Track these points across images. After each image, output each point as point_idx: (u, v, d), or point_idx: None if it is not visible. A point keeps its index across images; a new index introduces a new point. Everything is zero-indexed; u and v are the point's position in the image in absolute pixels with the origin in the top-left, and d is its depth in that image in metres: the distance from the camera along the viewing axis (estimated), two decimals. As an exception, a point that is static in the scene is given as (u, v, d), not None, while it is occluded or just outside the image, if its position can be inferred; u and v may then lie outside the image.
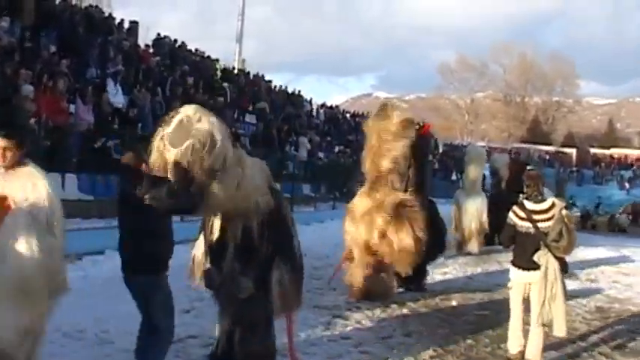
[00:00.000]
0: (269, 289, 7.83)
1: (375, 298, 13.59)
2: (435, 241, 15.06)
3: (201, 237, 8.19)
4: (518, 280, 9.92)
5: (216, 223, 7.85)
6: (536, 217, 9.64)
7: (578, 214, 42.74)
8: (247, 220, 7.63)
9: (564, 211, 9.71)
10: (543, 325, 9.69)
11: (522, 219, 9.76)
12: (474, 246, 22.82)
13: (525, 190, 10.02)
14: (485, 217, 23.09)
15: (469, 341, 11.26)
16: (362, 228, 13.67)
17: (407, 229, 13.45)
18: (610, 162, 76.45)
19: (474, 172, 23.81)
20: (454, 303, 14.36)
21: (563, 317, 9.67)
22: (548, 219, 9.57)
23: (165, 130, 6.95)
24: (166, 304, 8.10)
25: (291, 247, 8.11)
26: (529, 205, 9.78)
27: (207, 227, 8.03)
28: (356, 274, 13.80)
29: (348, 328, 11.52)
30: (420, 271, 15.09)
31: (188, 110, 7.06)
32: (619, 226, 43.72)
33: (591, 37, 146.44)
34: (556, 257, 9.58)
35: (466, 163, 24.50)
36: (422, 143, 15.47)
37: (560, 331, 9.71)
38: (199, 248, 8.22)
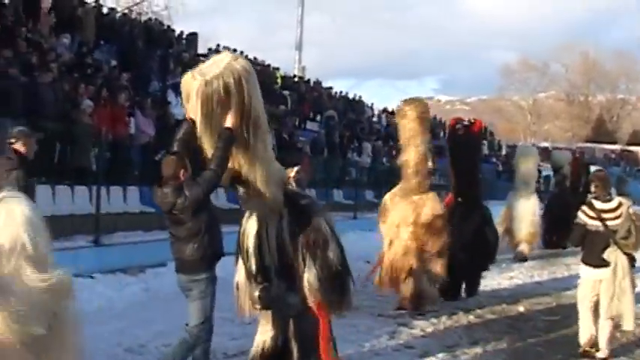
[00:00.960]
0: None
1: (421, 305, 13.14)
2: (484, 250, 15.03)
3: (240, 262, 8.01)
4: (589, 278, 10.27)
5: (251, 239, 7.74)
6: (605, 215, 9.94)
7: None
8: (278, 220, 7.54)
9: (631, 209, 10.08)
10: (612, 318, 10.05)
11: (592, 218, 10.06)
12: (524, 247, 22.11)
13: (593, 190, 10.45)
14: (537, 219, 22.80)
15: (539, 349, 11.01)
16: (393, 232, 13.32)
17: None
18: (677, 159, 75.09)
19: (525, 171, 23.15)
20: (521, 309, 14.08)
21: (631, 311, 10.05)
22: (617, 217, 9.90)
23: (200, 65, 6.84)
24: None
25: (325, 248, 7.74)
26: (598, 204, 10.07)
27: (243, 250, 7.90)
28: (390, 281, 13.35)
29: (413, 337, 11.32)
30: (471, 283, 15.05)
31: (229, 54, 6.99)
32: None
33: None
34: (625, 254, 9.99)
35: (515, 163, 24.08)
36: (471, 142, 15.39)
37: (628, 324, 10.18)
38: (240, 274, 8.03)
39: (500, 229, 20.40)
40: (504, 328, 12.35)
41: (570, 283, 16.84)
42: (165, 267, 15.26)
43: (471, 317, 13.07)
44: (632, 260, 10.13)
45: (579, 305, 10.45)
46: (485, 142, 63.44)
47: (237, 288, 8.05)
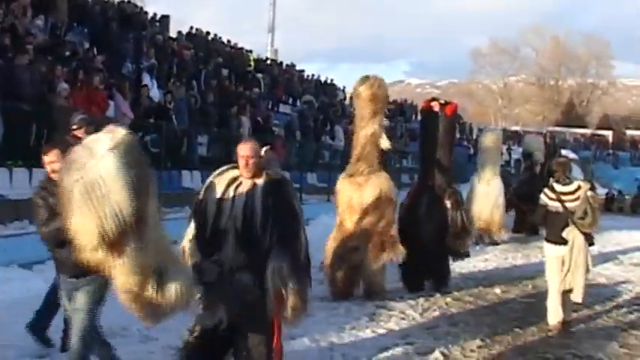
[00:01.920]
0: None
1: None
2: (459, 234, 14.32)
3: (192, 223, 7.30)
4: (552, 254, 11.16)
5: (211, 204, 7.12)
6: (564, 197, 10.94)
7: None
8: (250, 187, 7.03)
9: (589, 192, 11.04)
10: (565, 291, 11.01)
11: (552, 199, 11.06)
12: (495, 235, 21.82)
13: (554, 174, 11.54)
14: (499, 203, 22.08)
15: (516, 330, 11.11)
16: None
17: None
18: (647, 143, 75.66)
19: (486, 154, 22.93)
20: (498, 291, 14.22)
21: (581, 286, 10.98)
22: (575, 199, 10.87)
23: None
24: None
25: (296, 241, 7.09)
26: (558, 187, 11.09)
27: (199, 210, 7.25)
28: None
29: (393, 319, 11.40)
30: (438, 274, 14.23)
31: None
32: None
33: (626, 17, 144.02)
34: (582, 233, 10.88)
35: (479, 146, 24.27)
36: (445, 123, 14.68)
37: (577, 297, 11.06)
38: (188, 237, 7.30)
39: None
40: (482, 309, 12.51)
41: (543, 266, 17.09)
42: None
43: (449, 299, 13.18)
44: (589, 238, 11.04)
45: (549, 283, 11.28)
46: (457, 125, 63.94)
47: (183, 255, 7.20)
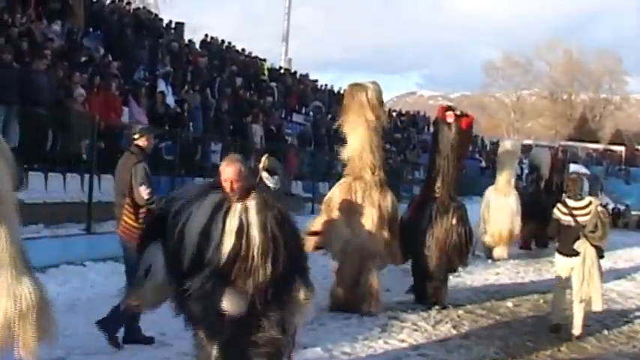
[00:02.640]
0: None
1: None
2: (453, 252, 13.80)
3: (157, 251, 6.58)
4: (562, 265, 11.95)
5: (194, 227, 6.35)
6: (576, 212, 11.65)
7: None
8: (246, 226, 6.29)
9: (600, 208, 11.94)
10: (582, 301, 11.59)
11: (565, 214, 11.78)
12: (501, 252, 21.11)
13: (567, 190, 12.67)
14: (518, 220, 21.45)
15: (529, 344, 11.15)
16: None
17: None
18: (659, 159, 75.35)
19: (507, 168, 22.16)
20: (509, 304, 14.27)
21: (599, 294, 11.74)
22: (586, 214, 11.59)
23: None
24: None
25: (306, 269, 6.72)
26: (570, 202, 11.83)
27: (170, 236, 6.43)
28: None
29: (405, 331, 11.40)
30: (437, 287, 13.79)
31: None
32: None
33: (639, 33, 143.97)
34: (593, 245, 11.60)
35: (498, 160, 23.27)
36: (460, 138, 14.14)
37: (597, 306, 11.78)
38: (157, 267, 6.59)
39: (479, 227, 20.54)
40: (493, 323, 12.54)
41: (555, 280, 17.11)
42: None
43: (461, 312, 13.21)
44: (599, 251, 11.75)
45: (557, 288, 12.27)
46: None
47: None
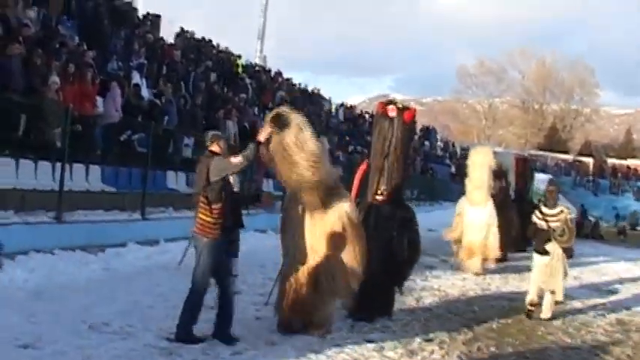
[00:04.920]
0: None
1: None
2: (399, 261, 12.52)
3: None
4: (537, 261, 14.13)
5: None
6: (548, 218, 13.97)
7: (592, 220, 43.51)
8: None
9: (569, 216, 14.41)
10: (550, 292, 14.10)
11: (539, 219, 14.10)
12: (475, 266, 19.86)
13: (545, 199, 14.76)
14: (495, 229, 20.45)
15: (492, 349, 11.23)
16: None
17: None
18: (627, 172, 75.88)
19: (479, 175, 20.60)
20: (475, 308, 14.38)
21: (561, 287, 14.23)
22: (557, 220, 13.92)
23: None
24: None
25: None
26: (544, 209, 14.21)
27: None
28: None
29: (373, 332, 11.43)
30: (384, 300, 12.56)
31: None
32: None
33: (612, 46, 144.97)
34: (561, 247, 13.92)
35: (469, 166, 21.34)
36: (403, 133, 12.91)
37: (559, 296, 14.30)
38: None
39: (450, 236, 20.65)
40: (458, 327, 12.52)
41: (522, 287, 17.27)
42: (125, 247, 15.35)
43: (427, 315, 13.29)
44: (568, 252, 14.13)
45: (532, 278, 14.32)
46: (441, 143, 64.15)
47: None
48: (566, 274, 14.27)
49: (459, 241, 20.50)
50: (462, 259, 20.20)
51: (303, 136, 10.17)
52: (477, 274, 19.35)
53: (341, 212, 10.64)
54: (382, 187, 12.75)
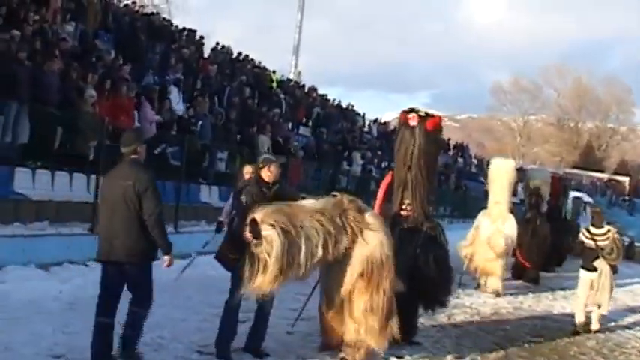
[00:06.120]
0: None
1: None
2: (425, 281, 11.57)
3: None
4: (584, 277, 14.72)
5: None
6: (597, 237, 14.66)
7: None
8: None
9: (616, 235, 14.89)
10: (597, 305, 14.82)
11: (588, 238, 14.74)
12: (495, 285, 18.66)
13: (592, 220, 15.33)
14: (511, 245, 18.96)
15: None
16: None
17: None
18: (663, 192, 75.23)
19: (499, 187, 19.50)
20: (507, 327, 14.30)
21: (607, 302, 14.85)
22: (605, 239, 14.61)
23: None
24: None
25: None
26: (592, 229, 14.85)
27: None
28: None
29: (402, 347, 11.26)
30: (406, 322, 10.96)
31: None
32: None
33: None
34: (608, 264, 14.60)
35: (488, 178, 20.57)
36: (426, 142, 12.16)
37: (603, 310, 14.91)
38: None
39: (464, 252, 18.90)
40: (491, 345, 12.51)
41: (553, 306, 17.18)
42: (158, 259, 15.39)
43: (458, 332, 13.26)
44: (614, 268, 14.84)
45: (579, 295, 14.89)
46: (475, 160, 63.86)
47: None
48: (612, 289, 14.98)
49: (471, 258, 18.86)
50: (476, 275, 19.19)
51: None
52: (497, 295, 18.29)
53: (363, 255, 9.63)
54: (406, 202, 12.05)
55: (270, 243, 8.60)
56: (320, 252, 9.10)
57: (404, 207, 12.06)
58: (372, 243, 9.64)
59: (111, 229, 8.63)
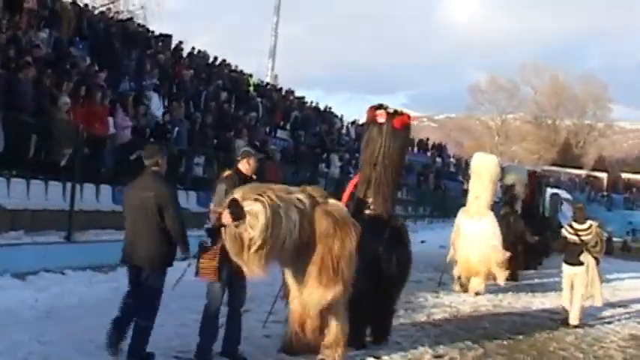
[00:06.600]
0: None
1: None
2: (388, 279, 11.39)
3: None
4: (568, 272, 15.23)
5: None
6: (580, 232, 15.11)
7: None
8: None
9: (598, 229, 15.43)
10: (586, 298, 15.28)
11: (571, 234, 15.19)
12: (476, 285, 18.31)
13: (574, 216, 15.90)
14: (496, 244, 18.38)
15: (503, 365, 11.19)
16: None
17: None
18: (641, 187, 75.64)
19: (478, 184, 19.04)
20: (486, 324, 14.31)
21: (599, 293, 15.47)
22: (589, 234, 15.10)
23: None
24: None
25: None
26: (576, 225, 15.30)
27: None
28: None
29: (382, 348, 11.33)
30: (378, 323, 11.62)
31: None
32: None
33: (625, 61, 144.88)
34: (593, 257, 15.20)
35: (471, 176, 19.84)
36: (394, 140, 11.87)
37: (598, 302, 15.62)
38: None
39: (449, 258, 18.94)
40: (469, 343, 12.44)
41: (532, 303, 17.23)
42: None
43: (438, 331, 13.24)
44: (597, 260, 15.34)
45: (563, 289, 15.34)
46: (453, 160, 64.04)
47: None
48: (602, 280, 15.75)
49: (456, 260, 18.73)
50: (461, 277, 18.67)
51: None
52: (476, 294, 18.03)
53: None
54: (369, 200, 11.74)
55: (255, 216, 8.55)
56: (296, 233, 9.06)
57: (367, 206, 11.76)
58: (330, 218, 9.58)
59: (133, 236, 9.39)
